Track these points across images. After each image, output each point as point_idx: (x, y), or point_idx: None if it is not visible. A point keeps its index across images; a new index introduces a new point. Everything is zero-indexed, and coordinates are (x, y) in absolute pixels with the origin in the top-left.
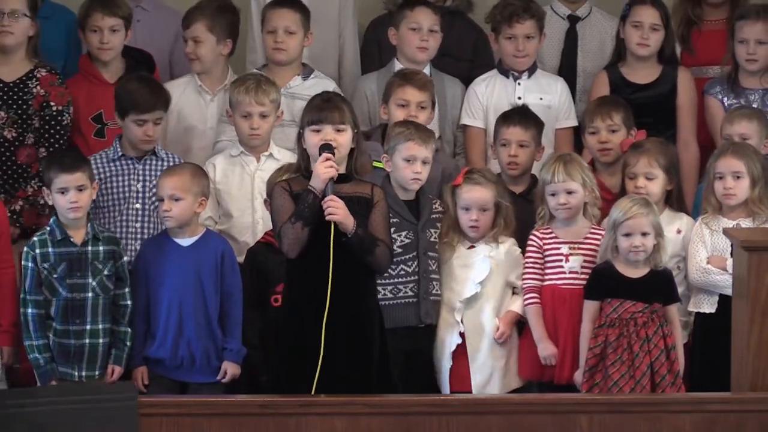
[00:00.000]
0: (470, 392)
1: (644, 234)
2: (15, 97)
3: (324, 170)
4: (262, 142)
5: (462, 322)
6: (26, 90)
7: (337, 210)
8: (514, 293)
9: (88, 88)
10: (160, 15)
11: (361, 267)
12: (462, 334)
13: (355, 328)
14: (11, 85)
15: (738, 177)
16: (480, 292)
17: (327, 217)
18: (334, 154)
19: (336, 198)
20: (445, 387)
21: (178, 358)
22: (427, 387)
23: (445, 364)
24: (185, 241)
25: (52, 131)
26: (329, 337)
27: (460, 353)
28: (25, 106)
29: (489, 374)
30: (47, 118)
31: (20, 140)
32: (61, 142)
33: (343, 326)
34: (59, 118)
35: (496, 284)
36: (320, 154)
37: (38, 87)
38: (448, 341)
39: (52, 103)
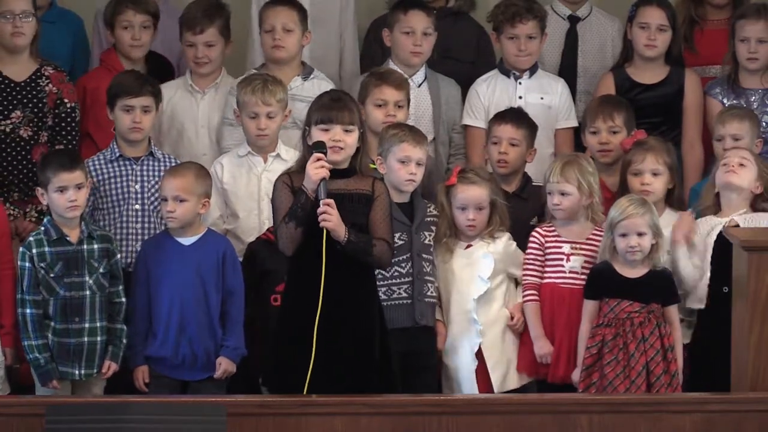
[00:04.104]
0: (490, 391)
1: (640, 234)
2: (29, 96)
3: (315, 171)
4: (270, 143)
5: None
6: (39, 89)
7: (330, 218)
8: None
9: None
10: (172, 17)
11: (357, 269)
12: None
13: (351, 329)
14: (23, 84)
15: (742, 165)
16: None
17: (320, 224)
18: (326, 153)
19: (332, 204)
20: (473, 388)
21: (180, 356)
22: (423, 387)
23: (470, 365)
24: (187, 240)
25: (68, 128)
26: (323, 339)
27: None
28: (40, 105)
29: (506, 369)
30: (63, 115)
31: (35, 139)
32: (77, 139)
33: (338, 328)
34: (73, 114)
35: (499, 278)
36: (312, 153)
37: (50, 85)
38: (467, 343)
39: (66, 100)
